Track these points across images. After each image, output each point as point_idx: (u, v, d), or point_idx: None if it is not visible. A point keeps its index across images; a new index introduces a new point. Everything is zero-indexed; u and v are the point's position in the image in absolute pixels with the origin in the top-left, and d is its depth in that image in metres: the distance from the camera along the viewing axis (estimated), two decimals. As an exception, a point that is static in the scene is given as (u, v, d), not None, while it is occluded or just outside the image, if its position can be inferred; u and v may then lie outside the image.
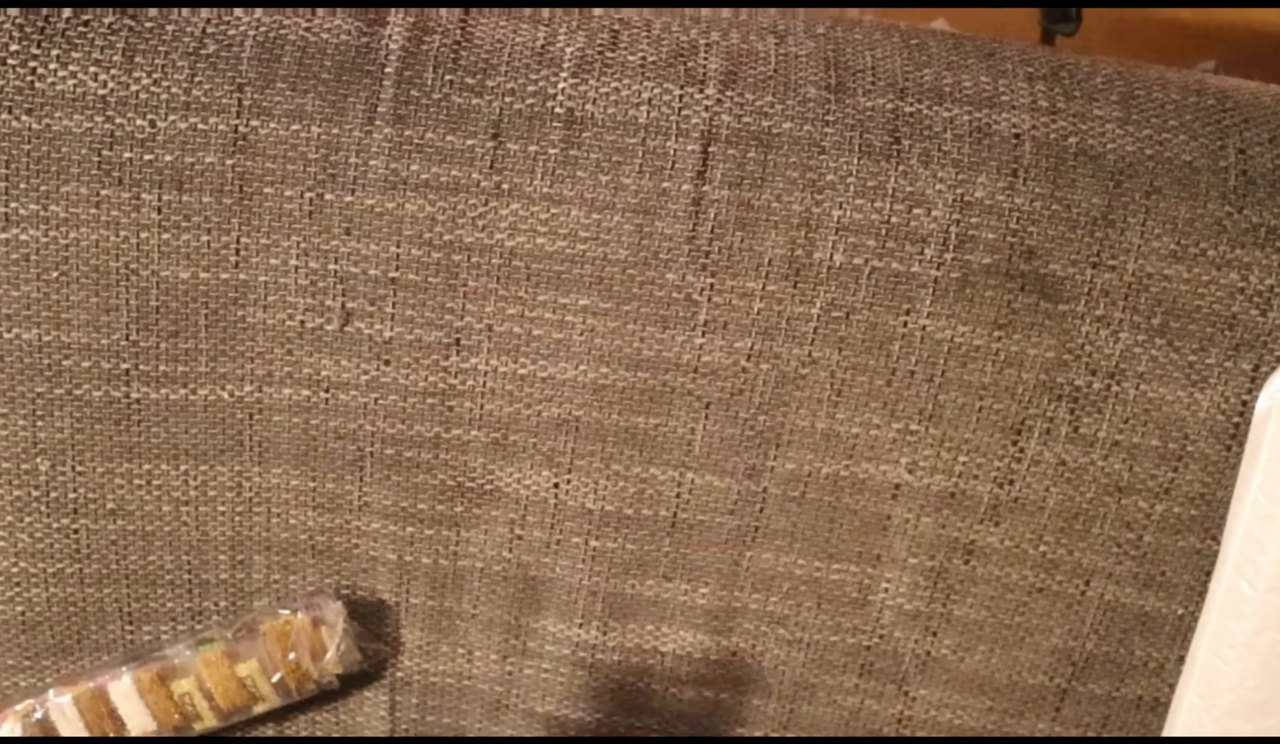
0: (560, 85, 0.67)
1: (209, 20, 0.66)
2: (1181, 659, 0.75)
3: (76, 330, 0.68)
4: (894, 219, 0.67)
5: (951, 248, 0.68)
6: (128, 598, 0.75)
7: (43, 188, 0.65)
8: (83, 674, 0.75)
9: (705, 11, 0.71)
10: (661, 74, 0.67)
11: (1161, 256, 0.68)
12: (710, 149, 0.67)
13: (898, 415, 0.71)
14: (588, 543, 0.74)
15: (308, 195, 0.67)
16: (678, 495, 0.73)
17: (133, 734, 0.75)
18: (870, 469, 0.72)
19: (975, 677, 0.77)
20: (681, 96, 0.67)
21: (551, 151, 0.66)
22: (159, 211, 0.66)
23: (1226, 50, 0.84)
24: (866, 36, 0.71)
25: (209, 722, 0.75)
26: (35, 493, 0.71)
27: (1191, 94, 0.70)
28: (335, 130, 0.66)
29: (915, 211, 0.67)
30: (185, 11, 0.66)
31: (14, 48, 0.64)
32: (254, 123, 0.65)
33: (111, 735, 0.74)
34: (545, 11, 0.69)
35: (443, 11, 0.69)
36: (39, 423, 0.70)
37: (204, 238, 0.67)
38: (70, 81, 0.65)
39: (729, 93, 0.67)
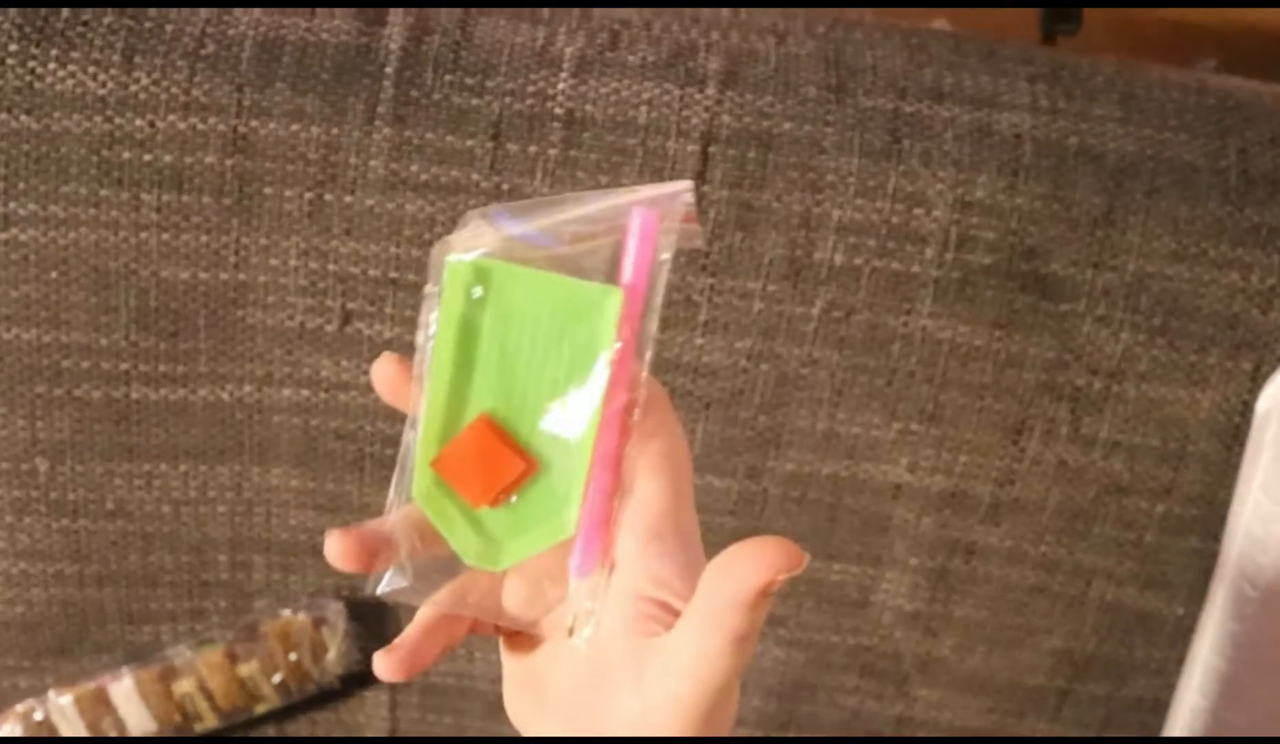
0: (560, 86, 0.67)
1: (208, 20, 0.66)
2: (1182, 660, 0.75)
3: (76, 331, 0.68)
4: (894, 219, 0.67)
5: (952, 248, 0.68)
6: (128, 598, 0.75)
7: (42, 188, 0.65)
8: (83, 674, 0.75)
9: (705, 11, 0.71)
10: (661, 74, 0.67)
11: (1162, 256, 0.68)
12: (710, 149, 0.67)
13: (898, 415, 0.71)
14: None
15: (308, 195, 0.67)
16: (678, 495, 0.73)
17: (133, 734, 0.75)
18: (870, 469, 0.72)
19: (975, 677, 0.77)
20: (681, 96, 0.67)
21: (551, 152, 0.66)
22: (158, 212, 0.66)
23: (1227, 50, 0.84)
24: (866, 36, 0.70)
25: (210, 722, 0.75)
26: (35, 493, 0.71)
27: (1192, 94, 0.70)
28: (335, 130, 0.66)
29: (915, 211, 0.67)
30: (185, 11, 0.66)
31: (14, 48, 0.64)
32: (253, 123, 0.65)
33: (112, 735, 0.75)
34: (545, 11, 0.69)
35: (443, 11, 0.68)
36: (39, 423, 0.70)
37: (204, 238, 0.67)
38: (70, 82, 0.64)
39: (729, 93, 0.67)
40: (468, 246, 0.41)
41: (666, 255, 0.41)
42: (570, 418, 0.41)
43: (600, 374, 0.41)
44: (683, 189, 0.41)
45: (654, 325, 0.41)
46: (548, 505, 0.42)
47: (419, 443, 0.42)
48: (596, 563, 0.41)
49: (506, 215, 0.41)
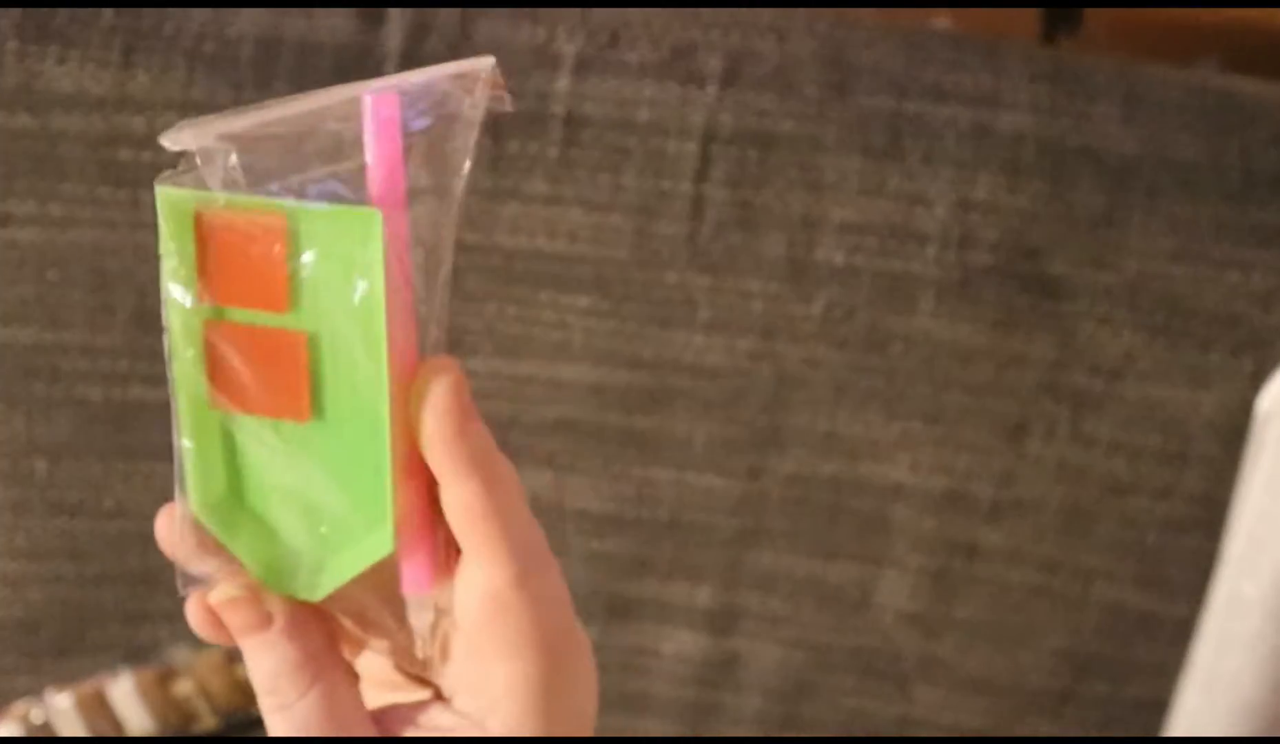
0: (560, 85, 0.66)
1: (207, 20, 0.66)
2: (1182, 660, 0.75)
3: (75, 330, 0.68)
4: (894, 219, 0.67)
5: (952, 248, 0.68)
6: (127, 598, 0.74)
7: (40, 187, 0.65)
8: (82, 675, 0.75)
9: (705, 11, 0.71)
10: (661, 74, 0.67)
11: (1163, 256, 0.68)
12: (710, 149, 0.67)
13: (898, 415, 0.71)
14: (588, 544, 0.73)
15: (307, 195, 0.66)
16: (678, 495, 0.73)
17: (132, 734, 0.75)
18: (871, 469, 0.72)
19: (976, 677, 0.77)
20: (681, 96, 0.67)
21: (551, 151, 0.66)
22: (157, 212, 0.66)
23: (1228, 49, 0.84)
24: (866, 36, 0.70)
25: (209, 722, 0.75)
26: (34, 493, 0.71)
27: (1193, 93, 0.70)
28: (334, 130, 0.66)
29: (916, 211, 0.67)
30: (184, 11, 0.66)
31: (12, 47, 0.64)
32: (253, 122, 0.65)
33: (111, 736, 0.74)
34: (545, 11, 0.69)
35: (442, 11, 0.68)
36: (37, 423, 0.69)
37: (203, 238, 0.67)
38: (68, 81, 0.64)
39: (729, 92, 0.67)
40: (183, 175, 0.33)
41: (477, 114, 0.34)
42: (355, 384, 0.32)
43: (377, 321, 0.31)
44: (485, 66, 0.34)
45: (455, 213, 0.35)
46: (360, 507, 0.33)
47: (188, 448, 0.35)
48: (431, 576, 0.34)
49: (228, 117, 0.33)
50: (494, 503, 0.33)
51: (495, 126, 0.66)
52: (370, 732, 0.35)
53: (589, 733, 0.37)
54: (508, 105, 0.35)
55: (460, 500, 0.33)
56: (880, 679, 0.77)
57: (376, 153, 0.33)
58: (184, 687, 0.74)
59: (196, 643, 0.75)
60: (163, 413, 0.71)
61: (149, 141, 0.65)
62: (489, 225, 0.67)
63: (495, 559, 0.33)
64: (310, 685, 0.34)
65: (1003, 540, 0.73)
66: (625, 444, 0.72)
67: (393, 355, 0.32)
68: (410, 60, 0.66)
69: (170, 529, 0.36)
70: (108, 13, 0.65)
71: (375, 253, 0.32)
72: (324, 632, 0.35)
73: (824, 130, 0.67)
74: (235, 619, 0.34)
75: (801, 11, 0.72)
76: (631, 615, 0.76)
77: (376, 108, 0.32)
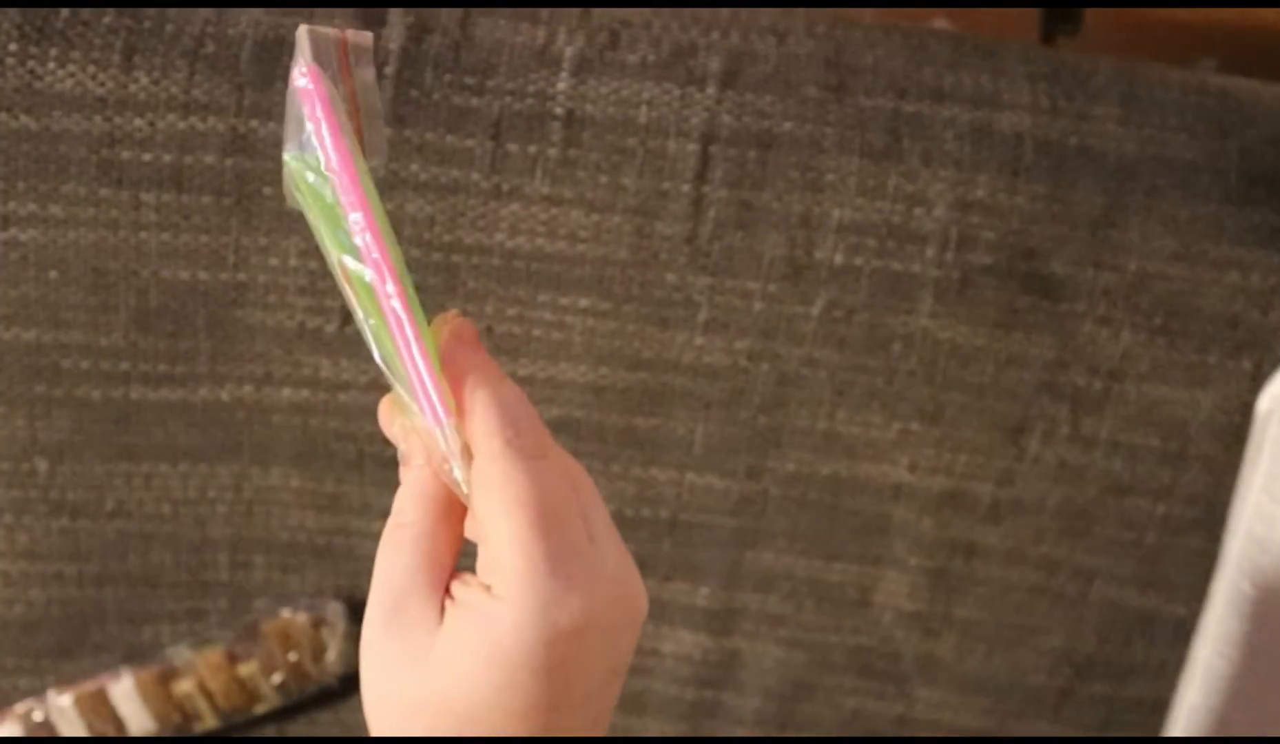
0: (560, 86, 0.67)
1: (208, 20, 0.66)
2: (1182, 660, 0.75)
3: (75, 331, 0.68)
4: (894, 219, 0.67)
5: (952, 248, 0.68)
6: (127, 598, 0.75)
7: (41, 188, 0.65)
8: (83, 674, 0.75)
9: (705, 11, 0.71)
10: (661, 74, 0.67)
11: (1162, 256, 0.68)
12: (710, 149, 0.67)
13: (898, 415, 0.71)
14: (588, 543, 0.73)
15: (307, 195, 0.66)
16: (678, 495, 0.73)
17: (133, 734, 0.75)
18: (870, 469, 0.72)
19: (976, 677, 0.77)
20: (681, 96, 0.67)
21: (551, 152, 0.66)
22: (158, 212, 0.66)
23: (1227, 50, 0.84)
24: (866, 36, 0.70)
25: (209, 722, 0.75)
26: (34, 493, 0.71)
27: (1192, 93, 0.70)
28: (335, 130, 0.66)
29: (915, 211, 0.67)
30: (185, 11, 0.66)
31: (13, 47, 0.64)
32: (253, 122, 0.65)
33: (111, 735, 0.75)
34: (545, 11, 0.69)
35: (442, 11, 0.68)
36: (38, 423, 0.70)
37: (203, 238, 0.67)
38: (69, 81, 0.64)
39: (729, 93, 0.67)
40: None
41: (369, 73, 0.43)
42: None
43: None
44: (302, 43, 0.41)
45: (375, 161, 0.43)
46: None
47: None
48: (444, 411, 0.41)
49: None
50: (486, 383, 0.41)
51: (495, 127, 0.66)
52: (444, 584, 0.40)
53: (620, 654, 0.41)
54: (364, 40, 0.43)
55: (470, 401, 0.40)
56: (880, 679, 0.77)
57: (325, 116, 0.41)
58: (184, 687, 0.74)
59: (196, 643, 0.75)
60: (163, 413, 0.71)
61: (149, 142, 0.65)
62: (489, 225, 0.67)
63: (479, 427, 0.40)
64: (435, 520, 0.41)
65: (1002, 540, 0.73)
66: (625, 444, 0.72)
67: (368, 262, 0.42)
68: (410, 60, 0.66)
69: (391, 411, 0.43)
70: (108, 13, 0.65)
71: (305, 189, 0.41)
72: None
73: (824, 130, 0.67)
74: (418, 442, 0.41)
75: (801, 11, 0.72)
76: (631, 615, 0.76)
77: (309, 85, 0.41)
